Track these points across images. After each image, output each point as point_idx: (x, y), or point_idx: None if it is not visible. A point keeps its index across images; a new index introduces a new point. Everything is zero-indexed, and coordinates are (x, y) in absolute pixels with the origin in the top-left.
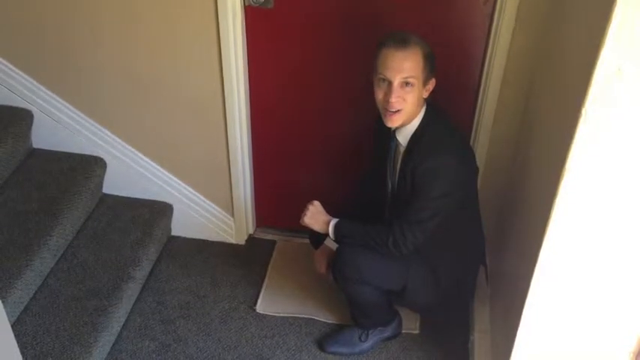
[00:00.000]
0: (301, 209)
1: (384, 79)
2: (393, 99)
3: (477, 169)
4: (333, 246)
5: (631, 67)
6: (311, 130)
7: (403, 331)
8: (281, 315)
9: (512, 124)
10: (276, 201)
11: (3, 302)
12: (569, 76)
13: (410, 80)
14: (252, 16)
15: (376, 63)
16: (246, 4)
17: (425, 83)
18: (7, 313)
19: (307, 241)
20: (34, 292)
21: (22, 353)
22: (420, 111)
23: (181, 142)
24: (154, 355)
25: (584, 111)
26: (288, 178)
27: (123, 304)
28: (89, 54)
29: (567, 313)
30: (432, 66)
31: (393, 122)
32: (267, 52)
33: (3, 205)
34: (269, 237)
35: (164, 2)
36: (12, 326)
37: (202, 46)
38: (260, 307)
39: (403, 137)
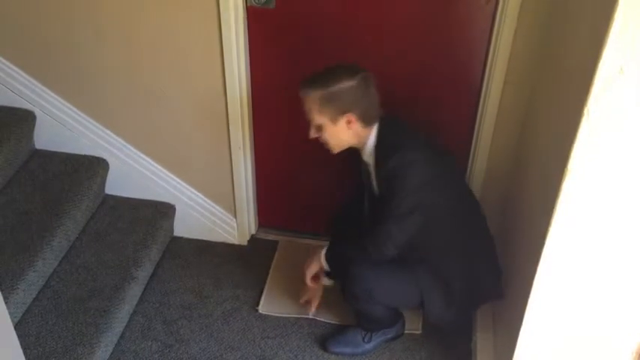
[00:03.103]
0: (303, 209)
1: None
2: (311, 137)
3: (450, 161)
4: (328, 282)
5: (633, 67)
6: None
7: (406, 332)
8: (283, 315)
9: (514, 124)
10: (278, 201)
11: (6, 303)
12: (572, 76)
13: (313, 121)
14: (254, 17)
15: None
16: (248, 4)
17: (334, 121)
18: (10, 314)
19: (309, 241)
20: (36, 293)
21: (25, 354)
22: (368, 132)
23: (183, 142)
24: (157, 356)
25: (586, 110)
26: (290, 179)
27: (125, 305)
28: (92, 55)
29: (570, 314)
30: (338, 105)
31: (331, 152)
32: (269, 52)
33: (6, 205)
34: (271, 237)
35: (167, 3)
36: (15, 327)
37: (204, 47)
38: (262, 308)
39: (368, 156)
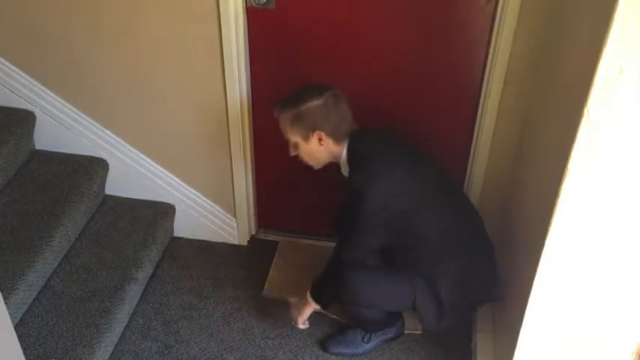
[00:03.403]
0: (303, 210)
1: None
2: (290, 154)
3: (430, 168)
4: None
5: (633, 67)
6: None
7: (406, 332)
8: (284, 312)
9: (514, 125)
10: (278, 202)
11: (6, 303)
12: (572, 76)
13: (289, 140)
14: (254, 17)
15: None
16: (248, 5)
17: (307, 139)
18: (10, 315)
19: (309, 241)
20: (36, 293)
21: (25, 354)
22: (341, 148)
23: (183, 143)
24: (157, 356)
25: (586, 111)
26: (290, 179)
27: (125, 305)
28: (91, 55)
29: (570, 315)
30: (307, 123)
31: (313, 168)
32: (268, 52)
33: (6, 206)
34: (271, 238)
35: (167, 4)
36: (15, 327)
37: (205, 48)
38: (266, 292)
39: (345, 171)
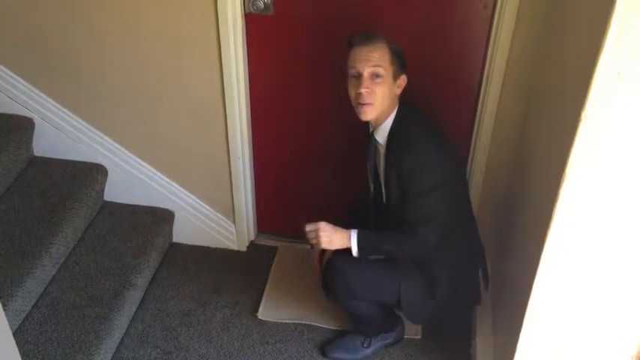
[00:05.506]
0: (303, 215)
1: (355, 75)
2: (363, 89)
3: (459, 164)
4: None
5: (631, 72)
6: (312, 136)
7: (405, 337)
8: (283, 321)
9: (512, 127)
10: (277, 207)
11: (4, 310)
12: (570, 79)
13: (378, 70)
14: (253, 23)
15: (347, 62)
16: (247, 10)
17: (395, 78)
18: (9, 322)
19: (308, 246)
20: (35, 300)
21: None
22: (393, 108)
23: (182, 149)
24: None
25: (584, 115)
26: (289, 184)
27: (124, 312)
28: (90, 62)
29: (569, 319)
30: (401, 62)
31: (365, 114)
32: (267, 58)
33: (5, 212)
34: (270, 243)
35: (165, 10)
36: (14, 334)
37: (203, 54)
38: (262, 314)
39: (381, 136)
